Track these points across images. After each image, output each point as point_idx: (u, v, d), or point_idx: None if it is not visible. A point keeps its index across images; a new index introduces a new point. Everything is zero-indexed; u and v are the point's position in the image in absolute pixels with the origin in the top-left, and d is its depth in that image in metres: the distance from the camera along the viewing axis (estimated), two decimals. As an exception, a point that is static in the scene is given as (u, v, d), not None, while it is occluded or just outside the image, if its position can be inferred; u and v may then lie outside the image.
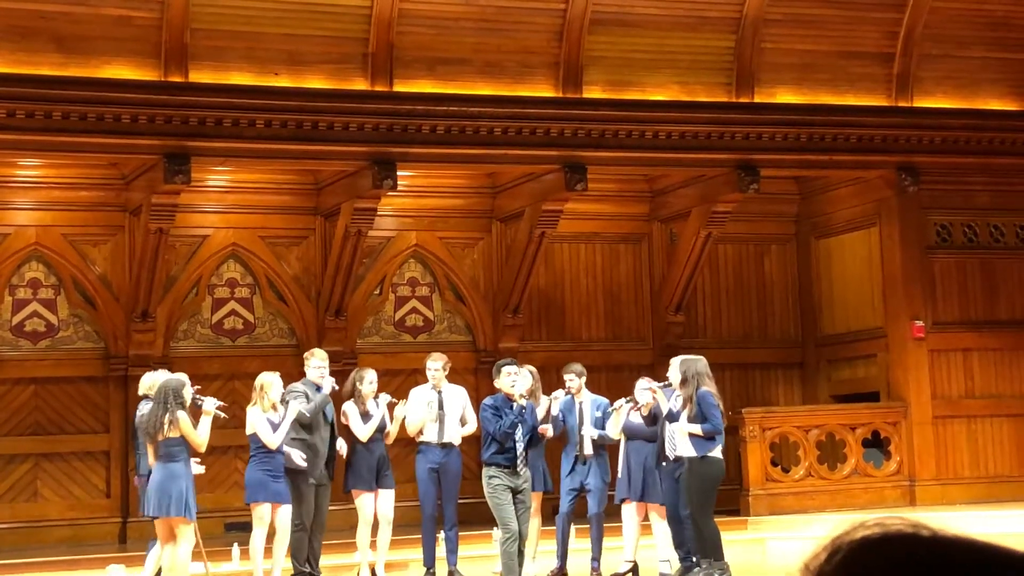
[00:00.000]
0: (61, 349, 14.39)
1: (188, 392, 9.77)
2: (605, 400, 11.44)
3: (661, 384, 10.81)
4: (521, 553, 9.83)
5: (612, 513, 11.49)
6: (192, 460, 9.92)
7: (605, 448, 11.29)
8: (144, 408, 10.13)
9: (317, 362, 11.07)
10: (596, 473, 11.19)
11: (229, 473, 13.92)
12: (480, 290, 15.84)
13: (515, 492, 9.74)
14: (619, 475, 11.04)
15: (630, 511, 11.05)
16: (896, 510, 14.47)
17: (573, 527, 11.64)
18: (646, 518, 11.09)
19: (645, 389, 10.92)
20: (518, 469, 9.73)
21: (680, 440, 10.38)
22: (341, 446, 11.07)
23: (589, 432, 11.19)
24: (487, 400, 10.08)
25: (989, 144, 15.75)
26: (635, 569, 11.14)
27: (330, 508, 12.27)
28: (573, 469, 11.23)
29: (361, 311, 15.40)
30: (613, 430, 11.09)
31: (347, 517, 13.33)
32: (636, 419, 10.98)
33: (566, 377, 11.43)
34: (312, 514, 10.74)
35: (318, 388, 10.92)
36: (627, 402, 11.05)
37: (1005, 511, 14.13)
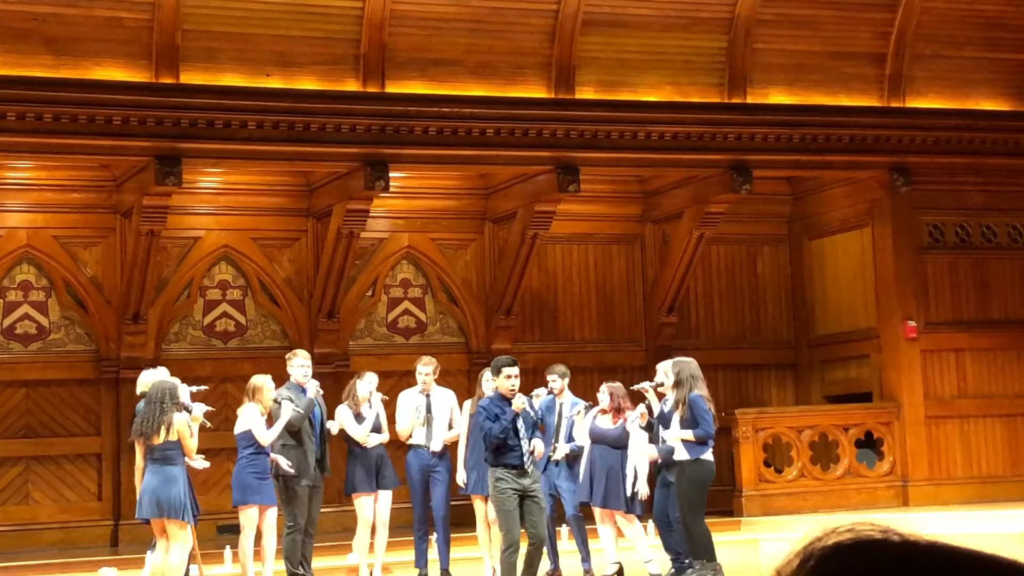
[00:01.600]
0: (52, 352, 14.36)
1: (185, 394, 9.79)
2: (584, 403, 11.40)
3: (653, 384, 10.77)
4: (539, 549, 9.67)
5: (591, 515, 11.47)
6: (198, 456, 9.96)
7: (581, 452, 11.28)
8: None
9: (301, 361, 11.02)
10: (567, 476, 11.15)
11: (221, 475, 13.86)
12: (473, 291, 15.83)
13: (525, 494, 9.50)
14: (581, 478, 10.94)
15: (600, 515, 10.98)
16: (889, 511, 14.48)
17: (564, 528, 11.64)
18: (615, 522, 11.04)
19: (614, 395, 10.88)
20: (526, 468, 9.48)
21: (676, 443, 10.36)
22: (332, 425, 11.04)
23: (561, 445, 11.15)
24: (482, 402, 9.94)
25: (981, 144, 15.76)
26: (621, 571, 11.11)
27: (324, 510, 12.27)
28: (545, 470, 11.21)
29: (353, 313, 15.38)
30: (579, 436, 11.05)
31: (341, 519, 13.33)
32: (602, 423, 10.89)
33: (549, 377, 11.40)
34: (306, 516, 10.72)
35: (302, 390, 10.88)
36: (587, 407, 11.02)
37: (998, 511, 14.14)
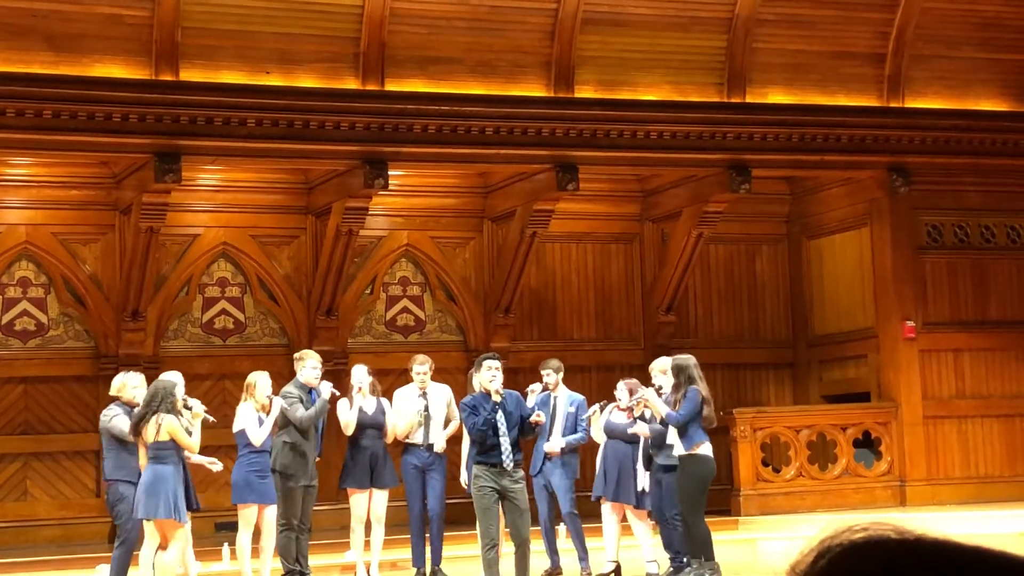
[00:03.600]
0: (51, 348, 14.36)
1: (180, 393, 9.75)
2: (580, 397, 11.37)
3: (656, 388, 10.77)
4: (522, 549, 9.61)
5: (592, 513, 11.45)
6: (207, 458, 10.00)
7: (576, 453, 11.27)
8: (113, 411, 10.12)
9: (314, 363, 10.99)
10: (561, 474, 11.11)
11: (219, 473, 13.87)
12: (471, 290, 15.83)
13: (504, 493, 9.38)
14: (596, 472, 11.00)
15: (608, 510, 10.99)
16: (886, 510, 14.49)
17: (562, 526, 11.63)
18: (624, 518, 11.04)
19: (625, 391, 10.89)
20: (505, 467, 9.32)
21: (672, 440, 10.38)
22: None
23: (556, 439, 11.12)
24: (466, 399, 9.82)
25: (980, 144, 15.77)
26: (618, 569, 11.08)
27: (322, 508, 12.25)
28: (541, 469, 11.19)
29: (352, 311, 15.39)
30: (596, 434, 11.08)
31: (338, 517, 13.31)
32: (617, 419, 10.92)
33: (543, 372, 11.38)
34: (299, 515, 10.71)
35: (310, 390, 10.87)
36: (600, 407, 11.02)
37: (995, 511, 14.15)
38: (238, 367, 14.38)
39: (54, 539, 13.78)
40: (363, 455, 11.09)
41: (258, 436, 10.31)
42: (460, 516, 12.61)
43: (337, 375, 14.05)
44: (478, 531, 9.70)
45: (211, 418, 10.14)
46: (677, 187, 15.78)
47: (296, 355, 11.36)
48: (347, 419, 11.10)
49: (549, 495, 11.21)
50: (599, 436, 11.06)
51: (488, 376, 9.48)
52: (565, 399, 11.28)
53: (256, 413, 10.38)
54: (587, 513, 11.50)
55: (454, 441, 11.59)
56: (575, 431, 11.15)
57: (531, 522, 10.81)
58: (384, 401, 11.36)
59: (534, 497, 11.18)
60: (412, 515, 11.28)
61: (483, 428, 9.31)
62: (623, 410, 10.94)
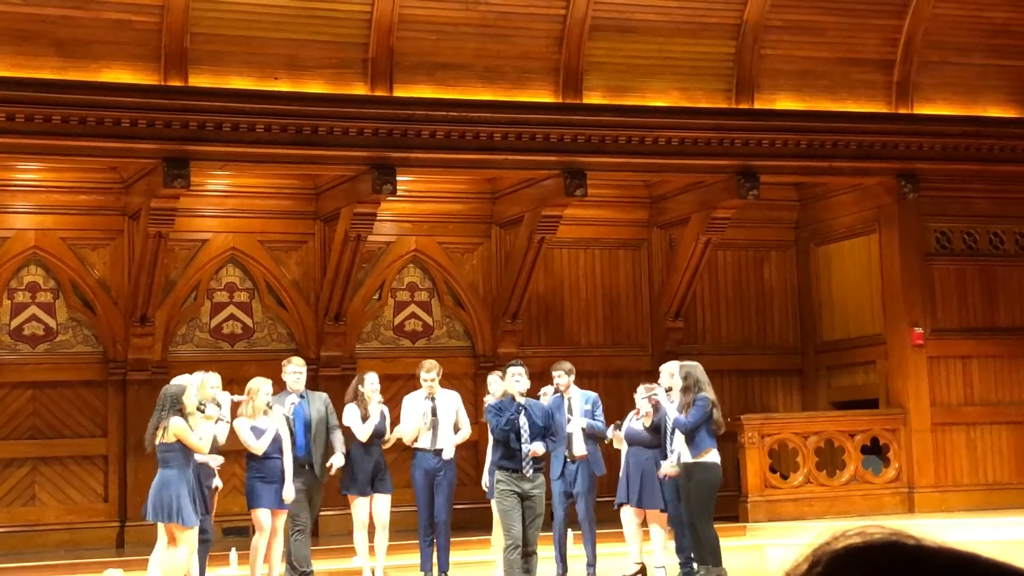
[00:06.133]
0: (59, 353, 14.38)
1: (191, 398, 9.74)
2: (593, 394, 11.36)
3: (662, 387, 10.77)
4: (530, 557, 9.69)
5: (609, 518, 11.44)
6: (211, 456, 10.06)
7: (597, 445, 11.22)
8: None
9: (294, 368, 11.02)
10: (584, 477, 11.10)
11: (227, 478, 13.84)
12: (479, 295, 15.83)
13: (524, 497, 9.58)
14: (620, 479, 11.04)
15: (629, 514, 11.01)
16: (895, 517, 14.47)
17: (571, 532, 11.62)
18: (644, 523, 11.05)
19: (644, 398, 10.89)
20: (524, 473, 9.57)
21: (680, 446, 10.40)
22: (339, 461, 10.93)
23: (578, 425, 11.09)
24: (492, 402, 10.13)
25: (989, 151, 15.74)
26: (644, 570, 11.09)
27: (330, 513, 12.26)
28: (563, 473, 11.16)
29: (360, 316, 15.39)
30: (620, 446, 11.13)
31: (345, 523, 13.32)
32: (637, 426, 10.97)
33: (555, 374, 11.36)
34: (308, 516, 10.73)
35: (301, 396, 10.88)
36: (615, 428, 11.07)
37: (1004, 518, 14.11)
38: (246, 372, 14.33)
39: (62, 544, 13.79)
40: (365, 461, 11.08)
41: (258, 446, 10.30)
42: (469, 522, 12.60)
43: (345, 380, 14.06)
44: (501, 532, 9.87)
45: (224, 418, 10.21)
46: (685, 193, 15.77)
47: (283, 362, 11.33)
48: (363, 434, 11.04)
49: (568, 500, 11.17)
50: (621, 446, 11.15)
51: (513, 380, 9.75)
52: (579, 399, 11.28)
53: (250, 423, 10.35)
54: (603, 519, 11.46)
55: (464, 448, 11.58)
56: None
57: (544, 527, 10.84)
58: (384, 407, 11.36)
59: (550, 502, 11.18)
60: (420, 520, 11.28)
61: (506, 428, 9.56)
62: (639, 417, 10.96)
